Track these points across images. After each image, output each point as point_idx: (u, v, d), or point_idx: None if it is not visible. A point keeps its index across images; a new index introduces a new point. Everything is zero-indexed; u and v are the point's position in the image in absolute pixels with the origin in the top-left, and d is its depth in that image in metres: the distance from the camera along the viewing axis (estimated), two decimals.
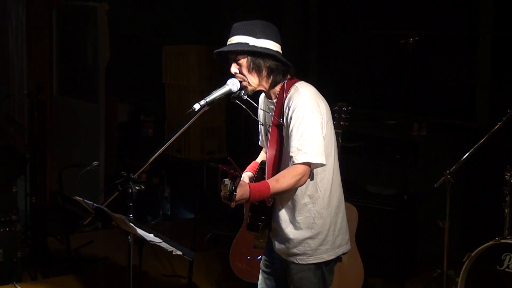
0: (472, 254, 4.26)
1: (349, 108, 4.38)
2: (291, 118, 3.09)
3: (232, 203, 2.93)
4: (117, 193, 2.96)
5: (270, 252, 3.40)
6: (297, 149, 3.05)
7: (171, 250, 2.93)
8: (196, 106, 3.04)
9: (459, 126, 5.78)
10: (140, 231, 2.91)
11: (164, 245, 2.93)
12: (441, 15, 5.94)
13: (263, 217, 3.25)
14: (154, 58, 7.43)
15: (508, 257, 4.18)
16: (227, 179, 2.90)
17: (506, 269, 4.19)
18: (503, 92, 5.49)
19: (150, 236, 2.93)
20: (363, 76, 6.51)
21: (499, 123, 4.43)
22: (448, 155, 5.32)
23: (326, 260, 3.24)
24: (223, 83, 3.18)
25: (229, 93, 3.15)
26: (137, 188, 2.92)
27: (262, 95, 3.34)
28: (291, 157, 3.06)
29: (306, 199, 3.19)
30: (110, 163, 7.08)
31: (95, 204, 2.96)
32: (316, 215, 3.19)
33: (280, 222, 3.24)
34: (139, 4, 7.63)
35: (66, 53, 7.39)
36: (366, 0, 6.49)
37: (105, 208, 2.97)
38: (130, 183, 2.92)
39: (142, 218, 7.03)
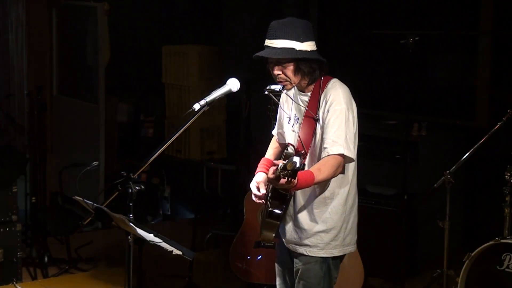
0: (472, 254, 4.26)
1: None
2: (328, 111, 3.15)
3: (286, 182, 2.84)
4: (117, 193, 2.96)
5: (281, 249, 3.44)
6: (333, 141, 3.09)
7: (171, 250, 2.93)
8: (196, 106, 3.05)
9: (459, 126, 5.77)
10: (140, 231, 2.91)
11: (164, 245, 2.93)
12: (441, 15, 5.93)
13: (284, 206, 3.22)
14: (154, 58, 7.43)
15: (508, 257, 4.18)
16: (295, 157, 2.75)
17: (506, 269, 4.19)
18: (503, 92, 5.49)
19: (150, 236, 2.93)
20: (363, 76, 6.50)
21: (499, 123, 4.43)
22: (448, 155, 5.31)
23: (335, 255, 3.28)
24: (223, 83, 3.18)
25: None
26: (137, 188, 2.93)
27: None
28: (325, 148, 3.10)
29: (327, 194, 3.23)
30: (110, 163, 7.07)
31: (95, 204, 2.97)
32: (332, 210, 3.24)
33: (298, 212, 3.28)
34: (139, 4, 7.63)
35: (66, 53, 7.38)
36: (366, 0, 6.48)
37: (105, 208, 2.97)
38: (130, 183, 2.92)
39: (142, 218, 7.02)
